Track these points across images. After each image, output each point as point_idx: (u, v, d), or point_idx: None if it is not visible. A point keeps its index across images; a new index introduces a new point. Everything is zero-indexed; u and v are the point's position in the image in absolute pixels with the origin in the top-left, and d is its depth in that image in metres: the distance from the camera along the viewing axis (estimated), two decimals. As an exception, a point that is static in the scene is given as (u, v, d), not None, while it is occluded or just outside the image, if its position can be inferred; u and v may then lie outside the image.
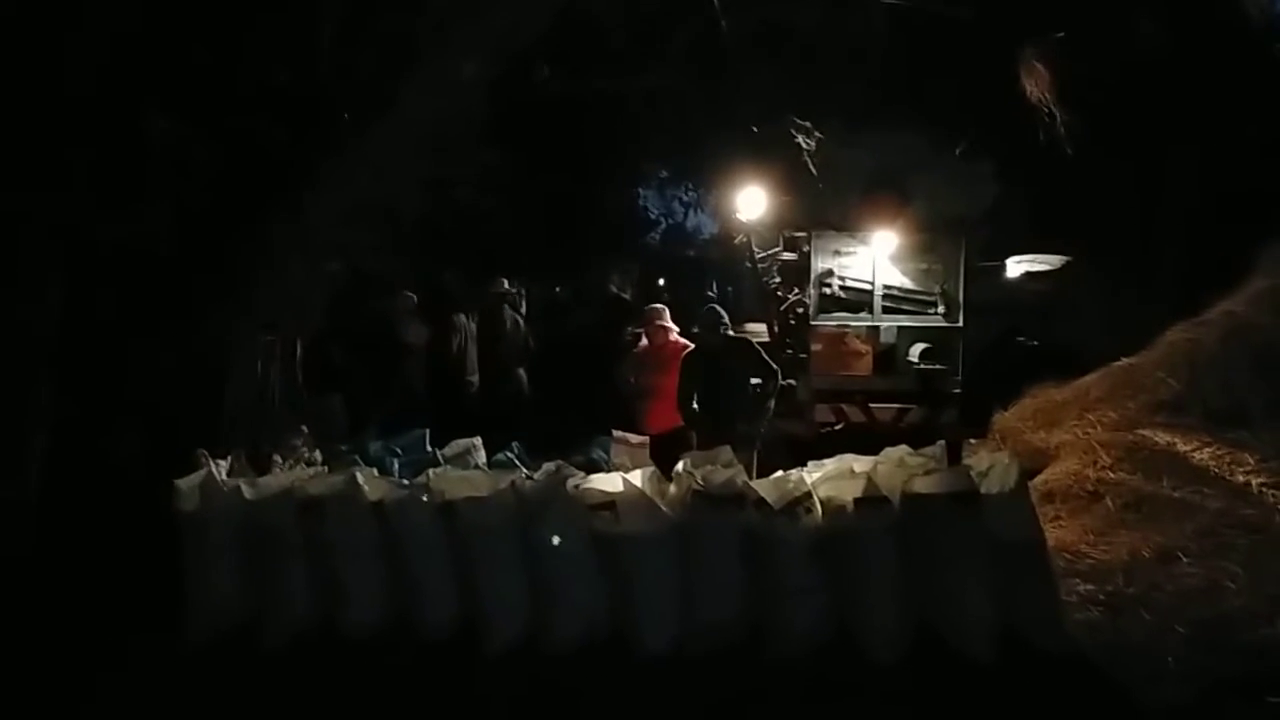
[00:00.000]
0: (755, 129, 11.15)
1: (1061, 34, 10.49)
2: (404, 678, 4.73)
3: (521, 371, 10.49)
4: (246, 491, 5.37)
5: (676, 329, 8.41)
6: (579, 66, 12.05)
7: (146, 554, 5.46)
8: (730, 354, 7.19)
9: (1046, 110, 10.53)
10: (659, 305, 8.65)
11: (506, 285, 10.64)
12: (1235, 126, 10.87)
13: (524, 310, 11.62)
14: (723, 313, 7.35)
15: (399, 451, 6.82)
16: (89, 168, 6.14)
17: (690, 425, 7.13)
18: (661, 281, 9.57)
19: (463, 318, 10.15)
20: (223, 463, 5.63)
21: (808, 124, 10.40)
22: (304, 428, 7.12)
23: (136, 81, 6.28)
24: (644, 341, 8.64)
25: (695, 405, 7.09)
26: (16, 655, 4.91)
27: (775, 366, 7.20)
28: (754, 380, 7.18)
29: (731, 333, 7.45)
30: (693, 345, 7.73)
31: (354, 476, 5.27)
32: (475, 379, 10.11)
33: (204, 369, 6.73)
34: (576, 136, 14.89)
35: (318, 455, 6.58)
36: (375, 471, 5.58)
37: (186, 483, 5.42)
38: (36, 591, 5.48)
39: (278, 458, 6.38)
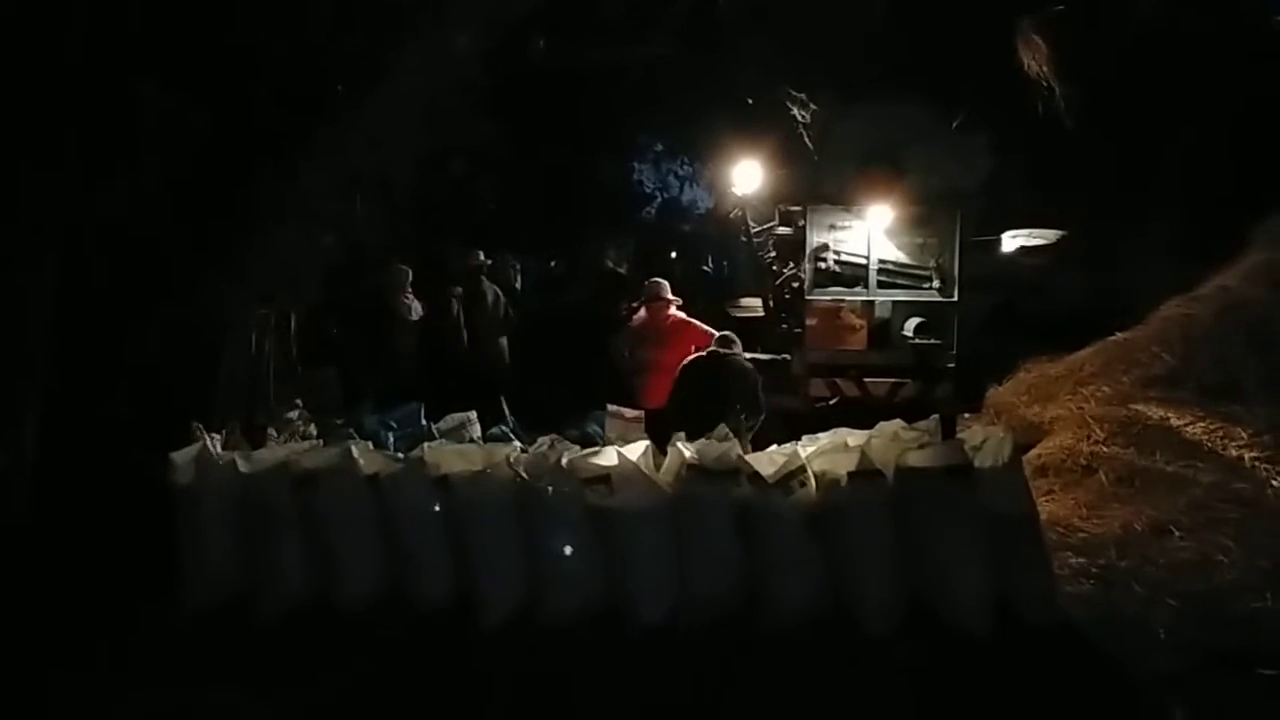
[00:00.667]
0: (750, 101, 11.10)
1: (1060, 6, 10.46)
2: (398, 651, 4.74)
3: (503, 343, 10.44)
4: (241, 465, 5.38)
5: (678, 301, 8.39)
6: (574, 38, 11.97)
7: (141, 526, 5.45)
8: (730, 378, 7.15)
9: (1044, 83, 10.50)
10: (660, 279, 8.63)
11: (482, 257, 10.57)
12: (1232, 101, 10.84)
13: (519, 283, 11.60)
14: (736, 339, 7.37)
15: (394, 425, 6.84)
16: (80, 137, 6.08)
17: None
18: (674, 254, 9.41)
19: (457, 291, 10.11)
20: (218, 436, 5.64)
21: (803, 96, 10.35)
22: (299, 401, 7.13)
23: (125, 49, 6.22)
24: (641, 314, 8.61)
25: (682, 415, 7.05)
26: (12, 623, 4.92)
27: (763, 407, 7.17)
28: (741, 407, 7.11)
29: (740, 357, 7.38)
30: (691, 321, 7.71)
31: (349, 450, 5.27)
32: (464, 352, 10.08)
33: (199, 341, 6.72)
34: (572, 109, 14.82)
35: (313, 429, 6.59)
36: (370, 445, 5.58)
37: (181, 455, 5.42)
38: (32, 560, 5.47)
39: (273, 431, 6.39)
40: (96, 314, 6.39)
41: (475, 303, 10.31)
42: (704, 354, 7.38)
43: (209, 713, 4.19)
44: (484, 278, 10.44)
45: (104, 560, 5.46)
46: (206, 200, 6.53)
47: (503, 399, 8.83)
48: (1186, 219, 10.37)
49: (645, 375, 8.14)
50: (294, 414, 6.86)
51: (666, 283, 8.54)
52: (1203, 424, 6.89)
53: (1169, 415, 7.09)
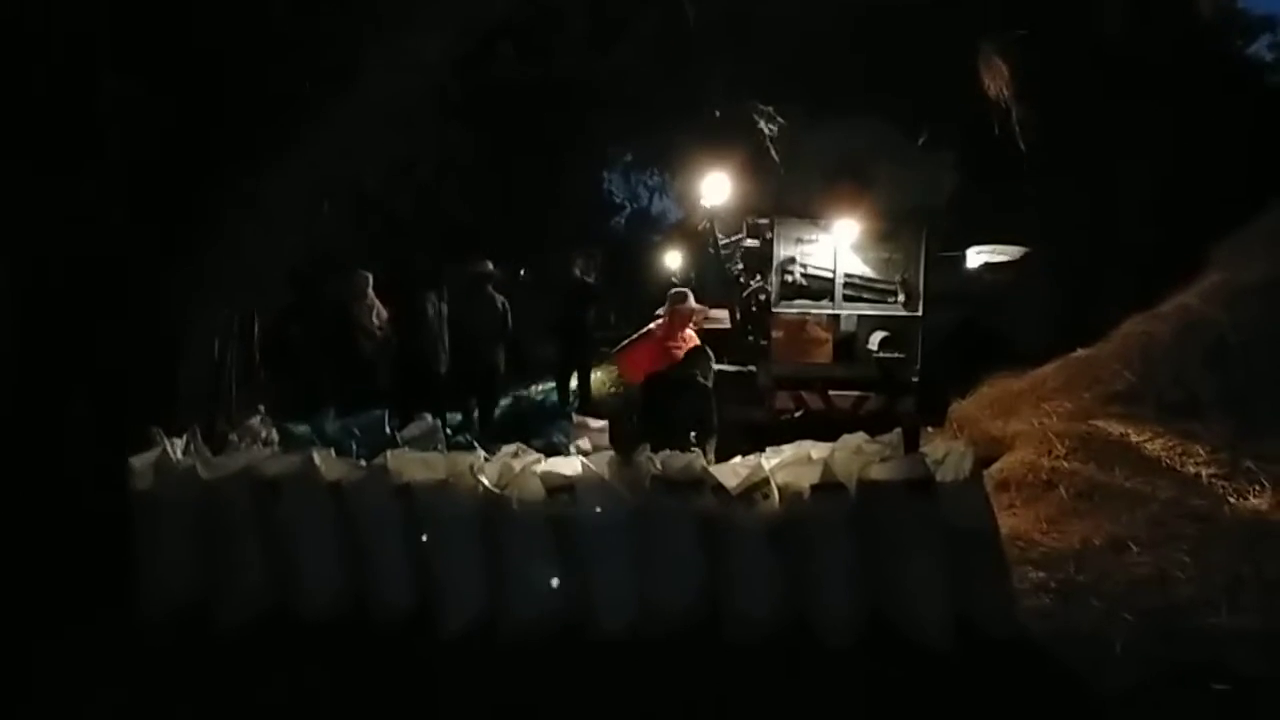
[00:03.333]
0: (719, 114, 11.15)
1: (1022, 30, 10.59)
2: (358, 659, 4.70)
3: (500, 351, 10.43)
4: (202, 470, 5.31)
5: (706, 311, 8.28)
6: (544, 48, 11.98)
7: (98, 531, 5.38)
8: (693, 397, 7.15)
9: (1004, 104, 10.63)
10: (684, 288, 8.56)
11: (490, 266, 10.57)
12: (1192, 122, 11.01)
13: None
14: (710, 354, 7.37)
15: (357, 432, 6.78)
16: (40, 132, 6.00)
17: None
18: (758, 278, 9.32)
19: (433, 298, 10.04)
20: (178, 440, 5.56)
21: (770, 110, 10.42)
22: (261, 406, 7.06)
23: (88, 44, 6.15)
24: (661, 322, 8.35)
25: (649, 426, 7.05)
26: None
27: (715, 428, 7.19)
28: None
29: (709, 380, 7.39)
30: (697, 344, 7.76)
31: (311, 457, 5.22)
32: (444, 360, 10.01)
33: (160, 344, 6.63)
34: (540, 120, 14.82)
35: (274, 434, 6.52)
36: (333, 452, 5.54)
37: (141, 460, 5.35)
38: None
39: (234, 436, 6.32)
40: (56, 315, 6.30)
41: (480, 309, 10.28)
42: (663, 371, 7.38)
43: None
44: (489, 286, 10.42)
45: (61, 565, 5.37)
46: (169, 201, 6.46)
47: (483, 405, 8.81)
48: (1147, 238, 10.52)
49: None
50: (256, 419, 6.80)
51: (690, 291, 8.42)
52: (1161, 440, 6.98)
53: (1128, 431, 7.17)
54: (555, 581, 4.91)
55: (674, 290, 8.56)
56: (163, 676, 4.53)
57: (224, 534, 5.20)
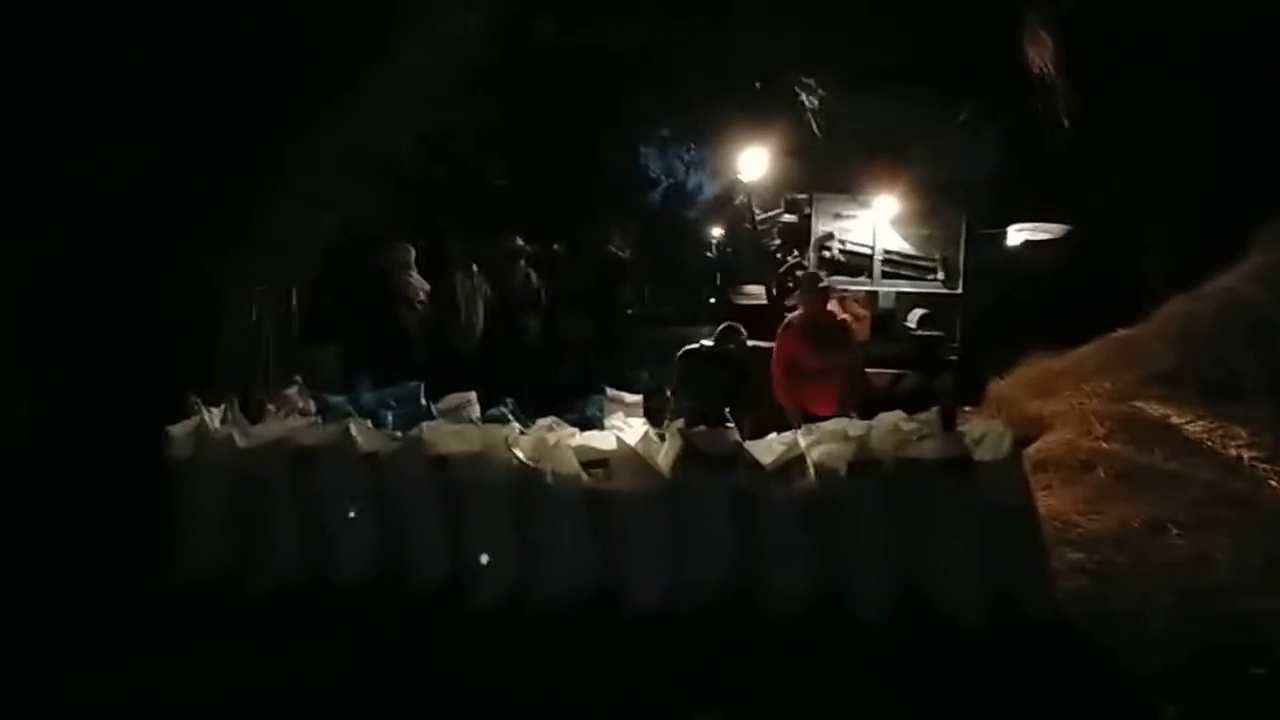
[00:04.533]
0: (758, 86, 11.06)
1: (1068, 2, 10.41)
2: (390, 630, 4.74)
3: (533, 324, 10.47)
4: (239, 440, 5.37)
5: (841, 293, 8.11)
6: (580, 18, 11.93)
7: (136, 499, 5.44)
8: (728, 372, 7.11)
9: (1049, 78, 10.46)
10: (815, 270, 8.36)
11: (520, 242, 10.59)
12: (1237, 99, 10.79)
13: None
14: (741, 328, 7.32)
15: (393, 404, 6.83)
16: (70, 105, 6.04)
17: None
18: (795, 254, 9.15)
19: (473, 271, 10.06)
20: (216, 410, 5.62)
21: (811, 82, 10.32)
22: (298, 378, 7.12)
23: (121, 15, 6.17)
24: (798, 311, 7.56)
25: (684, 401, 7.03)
26: (9, 595, 4.92)
27: (758, 402, 7.08)
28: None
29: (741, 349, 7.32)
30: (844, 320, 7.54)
31: (347, 427, 5.26)
32: (477, 334, 10.05)
33: (198, 315, 6.69)
34: (577, 92, 14.76)
35: (311, 405, 6.57)
36: (369, 423, 5.57)
37: (179, 429, 5.41)
38: (29, 534, 5.47)
39: (271, 407, 6.37)
40: (95, 287, 6.37)
41: (509, 284, 10.33)
42: (701, 345, 7.36)
43: (196, 686, 4.17)
44: (522, 261, 10.45)
45: (99, 533, 5.45)
46: (208, 174, 6.50)
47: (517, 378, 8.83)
48: (1191, 217, 10.34)
49: (809, 381, 7.14)
50: (293, 390, 6.85)
51: (822, 272, 8.13)
52: (1202, 422, 6.89)
53: (1169, 413, 7.08)
54: (588, 555, 4.92)
55: (805, 274, 8.17)
56: (196, 643, 4.58)
57: (260, 502, 5.26)
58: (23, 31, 5.87)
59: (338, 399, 6.83)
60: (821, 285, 7.40)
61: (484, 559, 4.98)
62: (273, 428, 5.62)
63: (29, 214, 6.01)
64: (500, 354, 10.06)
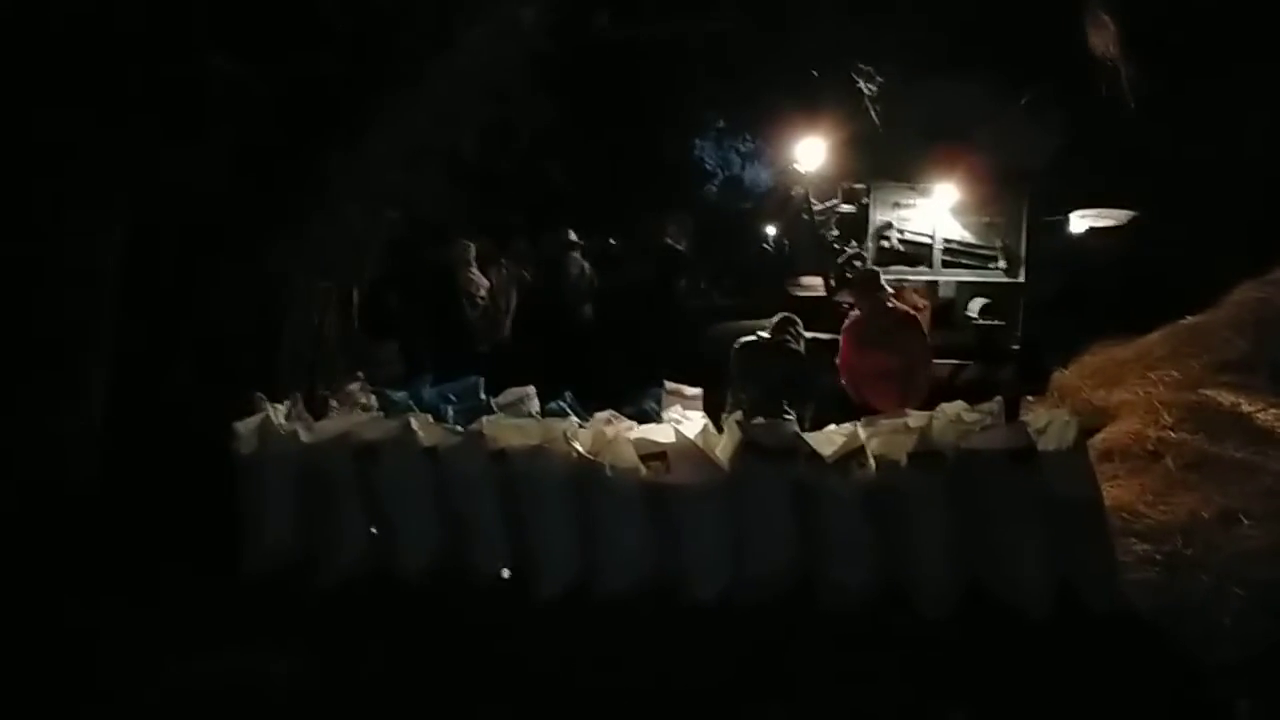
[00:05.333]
0: (816, 75, 10.98)
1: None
2: (454, 621, 4.79)
3: (587, 310, 10.54)
4: (303, 435, 5.46)
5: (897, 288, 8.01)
6: (637, 12, 11.92)
7: (204, 494, 5.55)
8: (786, 364, 7.08)
9: (1112, 62, 10.27)
10: (872, 268, 8.20)
11: (573, 236, 10.66)
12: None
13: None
14: (797, 320, 7.27)
15: (453, 398, 6.87)
16: (149, 102, 6.15)
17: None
18: (853, 244, 9.02)
19: (502, 264, 10.16)
20: (280, 406, 5.71)
21: (869, 69, 10.22)
22: (360, 373, 7.20)
23: (193, 15, 6.27)
24: (855, 313, 7.52)
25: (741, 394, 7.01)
26: (78, 589, 5.04)
27: (817, 394, 7.07)
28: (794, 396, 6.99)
29: (799, 341, 7.25)
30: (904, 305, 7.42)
31: (409, 422, 5.31)
32: (505, 329, 10.15)
33: (263, 312, 6.80)
34: (634, 84, 14.77)
35: (373, 401, 6.65)
36: (430, 418, 5.63)
37: (245, 425, 5.51)
38: (98, 527, 5.60)
39: (334, 402, 6.46)
40: (163, 283, 6.49)
41: (563, 276, 10.44)
42: (758, 336, 7.32)
43: (263, 679, 4.25)
44: (575, 254, 10.57)
45: (167, 528, 5.56)
46: (272, 171, 6.59)
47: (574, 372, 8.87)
48: (1262, 202, 10.09)
49: (871, 380, 7.10)
50: (355, 386, 6.93)
51: (879, 270, 7.96)
52: (1275, 411, 6.72)
53: (1240, 401, 6.92)
54: (647, 548, 4.94)
55: (862, 273, 8.04)
56: (263, 636, 4.66)
57: (324, 496, 5.34)
58: (111, 30, 5.97)
59: (399, 394, 6.89)
60: (876, 287, 7.28)
61: (505, 573, 5.08)
62: (336, 423, 5.71)
63: (112, 211, 6.13)
64: (556, 348, 10.12)
